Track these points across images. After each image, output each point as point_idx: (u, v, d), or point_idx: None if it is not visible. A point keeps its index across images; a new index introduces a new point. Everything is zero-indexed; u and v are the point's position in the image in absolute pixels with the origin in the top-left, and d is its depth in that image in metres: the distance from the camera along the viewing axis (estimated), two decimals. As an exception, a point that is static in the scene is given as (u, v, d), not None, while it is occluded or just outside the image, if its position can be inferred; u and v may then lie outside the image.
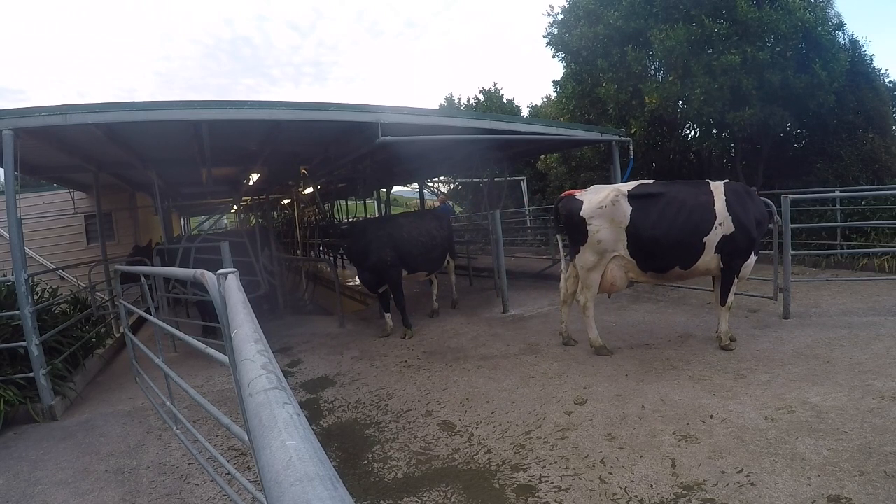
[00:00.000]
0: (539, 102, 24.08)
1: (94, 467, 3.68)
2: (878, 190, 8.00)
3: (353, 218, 14.95)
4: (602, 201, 4.91)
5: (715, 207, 4.74)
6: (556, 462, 3.20)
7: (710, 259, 4.80)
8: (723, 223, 4.70)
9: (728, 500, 2.63)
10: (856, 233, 9.05)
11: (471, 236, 14.31)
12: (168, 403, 3.71)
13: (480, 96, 23.69)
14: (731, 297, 4.90)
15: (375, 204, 15.13)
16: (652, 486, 2.84)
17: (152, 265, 6.86)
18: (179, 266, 6.41)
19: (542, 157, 16.16)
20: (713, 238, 4.73)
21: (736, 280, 4.89)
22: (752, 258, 4.90)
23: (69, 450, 4.01)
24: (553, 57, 13.70)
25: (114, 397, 5.19)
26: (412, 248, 6.85)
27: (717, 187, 4.88)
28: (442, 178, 20.46)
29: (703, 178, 5.42)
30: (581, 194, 5.16)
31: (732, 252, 4.75)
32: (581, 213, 4.96)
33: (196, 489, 3.28)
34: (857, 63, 10.95)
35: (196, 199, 14.51)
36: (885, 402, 3.50)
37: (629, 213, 4.85)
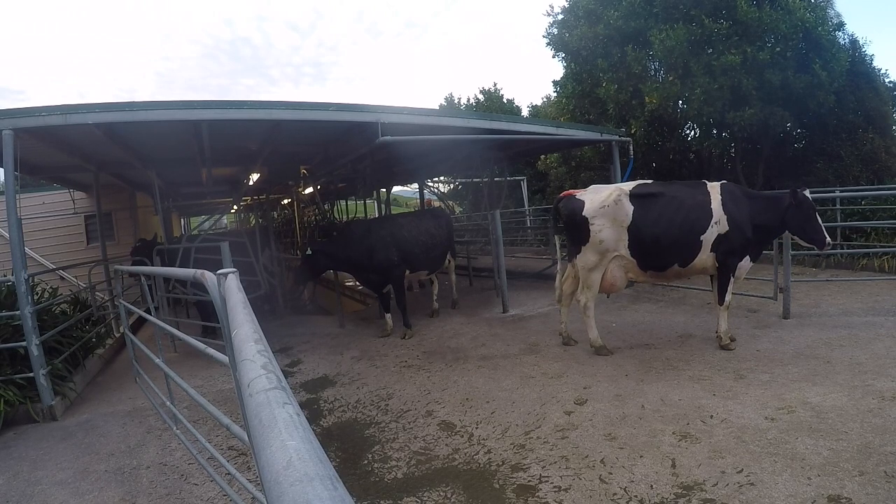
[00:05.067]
0: (539, 102, 24.14)
1: (94, 467, 3.68)
2: (878, 190, 8.00)
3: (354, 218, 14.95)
4: (605, 201, 4.92)
5: (711, 207, 4.82)
6: (556, 462, 3.20)
7: (706, 258, 4.86)
8: (718, 222, 4.78)
9: (728, 500, 2.63)
10: (856, 233, 9.05)
11: (471, 236, 14.31)
12: (168, 403, 3.71)
13: (480, 96, 23.72)
14: (728, 297, 4.92)
15: (375, 204, 15.13)
16: (652, 486, 2.84)
17: (153, 264, 6.86)
18: (179, 266, 6.41)
19: (542, 157, 16.16)
20: (709, 236, 4.80)
21: (732, 279, 4.92)
22: (748, 259, 4.93)
23: (69, 450, 4.01)
24: (553, 57, 13.72)
25: (114, 397, 5.19)
26: (414, 248, 6.87)
27: (714, 187, 4.96)
28: (442, 178, 20.46)
29: (703, 178, 5.45)
30: (581, 194, 5.17)
31: (727, 251, 4.81)
32: (583, 213, 4.97)
33: (196, 489, 3.28)
34: (857, 63, 10.96)
35: (196, 199, 14.51)
36: (885, 402, 3.50)
37: (631, 213, 4.88)
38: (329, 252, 6.62)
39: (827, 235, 4.71)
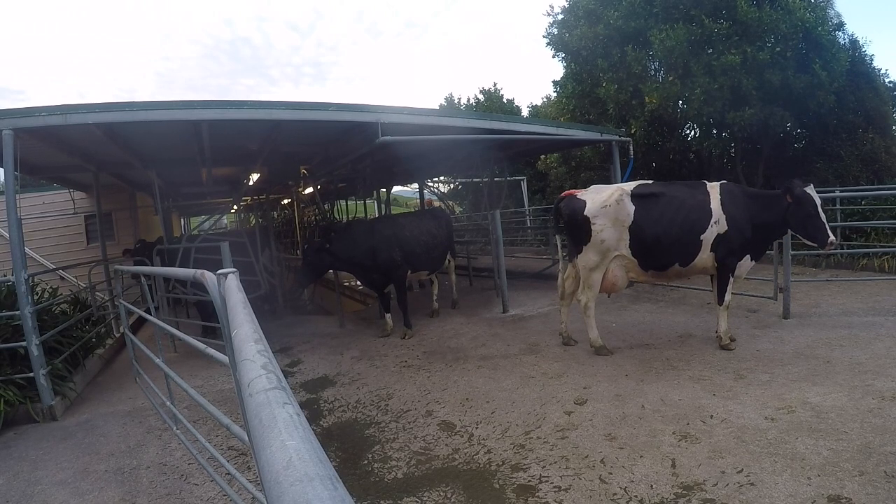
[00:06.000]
0: (539, 102, 24.11)
1: (94, 467, 3.68)
2: (878, 190, 8.01)
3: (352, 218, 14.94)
4: (606, 201, 4.93)
5: (711, 206, 4.83)
6: (556, 462, 3.20)
7: (706, 257, 4.88)
8: (718, 221, 4.79)
9: (728, 500, 2.63)
10: (856, 233, 9.05)
11: (471, 236, 14.31)
12: (168, 403, 3.71)
13: (480, 96, 23.71)
14: (727, 297, 4.93)
15: (375, 204, 15.14)
16: (652, 486, 2.84)
17: (153, 264, 6.86)
18: (179, 266, 6.40)
19: (542, 157, 16.16)
20: (709, 236, 4.81)
21: (732, 279, 4.93)
22: (748, 259, 4.92)
23: (69, 450, 4.01)
24: (553, 57, 13.73)
25: (114, 397, 5.19)
26: (416, 248, 6.89)
27: (713, 187, 4.97)
28: (442, 178, 20.46)
29: (703, 179, 5.45)
30: (582, 194, 5.17)
31: (726, 250, 4.82)
32: (585, 213, 4.98)
33: (196, 489, 3.28)
34: (857, 63, 10.96)
35: (196, 199, 14.51)
36: (885, 402, 3.50)
37: (633, 213, 4.89)
38: (332, 252, 6.60)
39: (831, 234, 4.59)
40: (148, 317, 4.19)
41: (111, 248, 9.88)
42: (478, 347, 5.84)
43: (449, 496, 2.97)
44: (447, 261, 7.84)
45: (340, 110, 5.93)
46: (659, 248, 4.88)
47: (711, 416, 3.56)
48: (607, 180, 8.96)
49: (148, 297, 4.61)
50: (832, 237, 4.61)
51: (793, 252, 6.00)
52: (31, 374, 4.64)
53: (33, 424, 4.60)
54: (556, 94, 15.67)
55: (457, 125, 6.99)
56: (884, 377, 3.90)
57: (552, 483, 2.97)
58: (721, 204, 4.81)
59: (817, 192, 4.71)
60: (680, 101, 11.31)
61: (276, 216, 18.46)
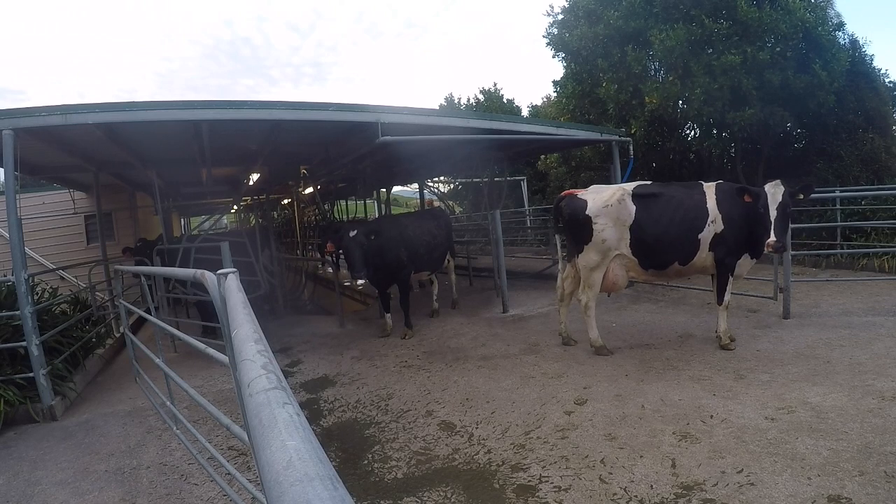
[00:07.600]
0: (539, 102, 24.06)
1: (94, 467, 3.68)
2: (878, 190, 8.00)
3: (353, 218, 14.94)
4: (608, 200, 4.95)
5: (707, 206, 4.87)
6: (556, 462, 3.20)
7: (705, 256, 4.91)
8: (714, 221, 4.82)
9: (728, 500, 2.63)
10: (856, 233, 9.05)
11: (471, 236, 14.31)
12: (168, 403, 3.71)
13: (480, 96, 23.67)
14: (727, 297, 4.94)
15: (375, 204, 15.13)
16: (652, 486, 2.84)
17: (153, 263, 6.86)
18: (179, 266, 6.40)
19: (542, 157, 16.15)
20: (706, 235, 4.84)
21: (731, 279, 4.94)
22: (748, 257, 4.93)
23: (69, 450, 4.01)
24: (553, 57, 13.69)
25: (114, 397, 5.19)
26: (419, 248, 6.90)
27: (710, 187, 5.00)
28: (442, 178, 20.46)
29: (703, 179, 5.46)
30: (583, 194, 5.19)
31: (724, 250, 4.85)
32: (587, 212, 5.00)
33: (196, 489, 3.28)
34: (857, 63, 10.94)
35: (196, 199, 14.51)
36: (885, 402, 3.50)
37: (634, 212, 4.91)
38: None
39: (773, 235, 4.38)
40: (148, 317, 4.19)
41: (111, 248, 9.88)
42: (478, 347, 5.84)
43: (449, 496, 2.97)
44: (447, 261, 7.85)
45: (340, 110, 5.93)
46: (659, 247, 4.91)
47: (711, 416, 3.56)
48: (607, 180, 8.97)
49: (148, 297, 4.61)
50: (773, 239, 4.38)
51: (793, 252, 6.00)
52: (31, 374, 4.63)
53: (33, 424, 4.60)
54: (556, 94, 15.64)
55: (457, 125, 6.99)
56: (884, 377, 3.90)
57: (552, 483, 2.97)
58: (717, 203, 4.85)
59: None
60: (680, 101, 11.30)
61: (276, 216, 18.47)
